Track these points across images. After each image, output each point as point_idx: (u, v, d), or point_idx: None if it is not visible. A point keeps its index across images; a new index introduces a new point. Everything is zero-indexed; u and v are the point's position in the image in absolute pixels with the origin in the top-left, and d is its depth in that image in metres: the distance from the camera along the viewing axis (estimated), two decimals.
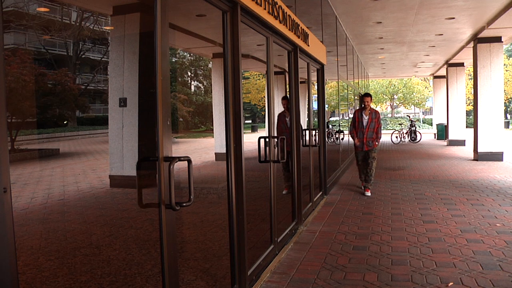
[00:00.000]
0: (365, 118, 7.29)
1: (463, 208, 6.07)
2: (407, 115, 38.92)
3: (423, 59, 17.17)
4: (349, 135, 7.86)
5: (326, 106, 8.91)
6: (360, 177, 7.75)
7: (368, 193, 7.28)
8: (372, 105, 45.67)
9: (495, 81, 11.69)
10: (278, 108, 5.74)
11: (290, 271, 3.85)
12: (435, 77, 22.92)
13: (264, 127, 4.39)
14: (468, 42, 12.78)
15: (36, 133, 2.67)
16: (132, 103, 2.80)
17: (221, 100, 3.27)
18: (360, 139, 7.33)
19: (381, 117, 8.37)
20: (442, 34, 11.76)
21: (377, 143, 7.29)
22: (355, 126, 7.38)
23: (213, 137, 5.12)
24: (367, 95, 7.38)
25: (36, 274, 2.71)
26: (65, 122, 2.91)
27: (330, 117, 15.59)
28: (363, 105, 7.32)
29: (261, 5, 3.64)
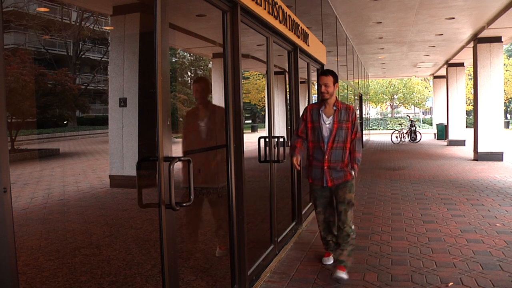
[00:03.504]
0: (326, 120, 3.69)
1: (463, 208, 6.07)
2: (407, 115, 38.93)
3: (423, 59, 17.17)
4: (290, 151, 3.86)
5: None
6: (322, 238, 4.05)
7: (342, 274, 3.53)
8: (373, 105, 44.36)
9: (495, 81, 11.69)
10: (278, 108, 5.72)
11: (290, 271, 3.85)
12: (435, 77, 22.92)
13: (264, 127, 4.39)
14: (468, 42, 12.78)
15: (36, 133, 2.67)
16: (132, 103, 2.80)
17: (221, 100, 3.27)
18: (316, 163, 3.72)
19: (358, 116, 4.15)
20: (442, 34, 11.76)
21: (353, 173, 3.70)
22: (307, 134, 3.78)
23: None
24: (327, 73, 3.73)
25: (36, 274, 2.71)
26: (65, 122, 2.91)
27: None
28: (322, 96, 3.70)
29: (261, 5, 3.64)
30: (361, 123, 18.15)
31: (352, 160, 3.70)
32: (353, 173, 3.70)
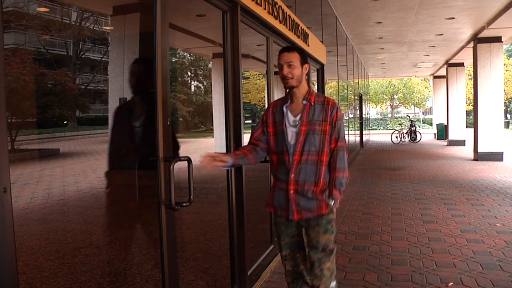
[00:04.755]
0: (292, 121, 2.53)
1: (463, 208, 6.07)
2: (407, 115, 38.93)
3: (423, 59, 17.17)
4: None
5: None
6: None
7: None
8: (373, 105, 43.92)
9: (495, 81, 11.69)
10: None
11: None
12: (435, 77, 22.92)
13: None
14: (468, 42, 12.78)
15: (36, 133, 2.67)
16: None
17: (221, 100, 3.27)
18: (280, 185, 2.55)
19: (342, 114, 2.62)
20: (442, 34, 11.76)
21: (331, 204, 2.49)
22: (268, 142, 2.61)
23: (213, 137, 5.12)
24: (291, 48, 2.57)
25: (36, 274, 2.71)
26: (65, 122, 2.91)
27: None
28: (284, 82, 2.52)
29: (261, 5, 3.64)
30: (361, 124, 18.13)
31: (332, 183, 2.47)
32: (331, 203, 2.46)
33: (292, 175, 2.47)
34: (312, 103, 2.52)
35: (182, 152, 2.64)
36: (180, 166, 2.24)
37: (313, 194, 2.48)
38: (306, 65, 2.57)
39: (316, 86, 7.69)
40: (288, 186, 2.48)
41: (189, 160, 2.22)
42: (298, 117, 2.51)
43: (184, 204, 2.17)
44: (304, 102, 2.52)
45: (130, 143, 2.68)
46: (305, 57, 2.58)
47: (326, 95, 8.23)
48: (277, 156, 2.55)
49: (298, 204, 2.48)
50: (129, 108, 2.71)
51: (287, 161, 2.48)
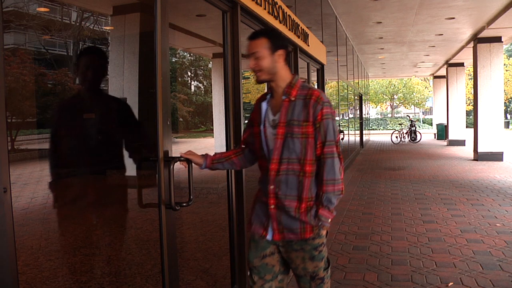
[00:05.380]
0: (271, 120, 2.06)
1: (463, 208, 6.07)
2: (407, 115, 38.96)
3: (423, 59, 17.18)
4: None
5: None
6: None
7: None
8: (373, 105, 43.66)
9: (495, 81, 11.70)
10: None
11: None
12: (435, 77, 22.93)
13: None
14: (468, 42, 12.79)
15: (36, 133, 2.67)
16: (132, 103, 2.80)
17: (221, 100, 3.27)
18: (261, 197, 2.14)
19: (333, 112, 2.03)
20: (442, 34, 11.77)
21: (319, 223, 2.01)
22: (254, 145, 2.18)
23: (213, 137, 5.12)
24: (256, 35, 2.03)
25: (36, 274, 2.71)
26: None
27: None
28: (255, 78, 2.08)
29: (261, 5, 3.64)
30: (361, 124, 18.12)
31: (319, 200, 1.99)
32: (319, 224, 2.01)
33: (272, 187, 2.03)
34: (293, 98, 2.01)
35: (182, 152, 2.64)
36: (179, 166, 2.24)
37: (296, 212, 2.00)
38: (280, 51, 2.01)
39: (316, 86, 7.70)
40: (268, 199, 2.05)
41: (189, 160, 2.22)
42: (277, 115, 2.03)
43: (184, 204, 2.17)
44: (283, 97, 2.03)
45: (81, 147, 2.25)
46: (278, 41, 2.04)
47: (326, 95, 8.18)
48: (261, 161, 2.14)
49: (280, 222, 2.03)
50: (75, 104, 2.28)
51: (268, 169, 2.05)
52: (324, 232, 2.08)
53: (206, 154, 2.24)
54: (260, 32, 2.05)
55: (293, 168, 2.00)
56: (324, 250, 2.11)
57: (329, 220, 2.02)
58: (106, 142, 2.09)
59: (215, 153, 2.29)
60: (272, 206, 2.04)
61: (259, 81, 2.07)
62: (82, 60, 2.32)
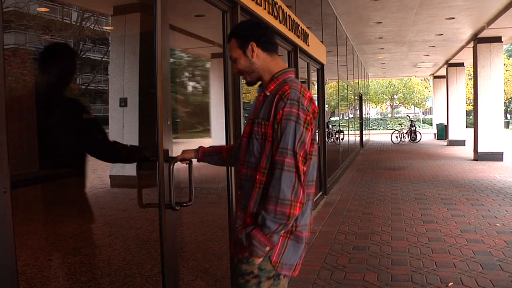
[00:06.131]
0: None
1: (463, 208, 6.07)
2: (407, 115, 38.96)
3: (423, 59, 17.18)
4: None
5: (326, 106, 8.91)
6: None
7: None
8: (373, 105, 43.46)
9: (495, 81, 11.70)
10: None
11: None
12: (435, 77, 22.93)
13: None
14: (468, 42, 12.79)
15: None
16: (133, 103, 2.80)
17: (220, 100, 3.27)
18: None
19: (297, 112, 1.60)
20: (442, 34, 11.77)
21: (251, 246, 1.61)
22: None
23: (210, 137, 5.11)
24: (228, 39, 1.84)
25: (36, 274, 2.71)
26: None
27: (330, 117, 15.64)
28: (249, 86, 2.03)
29: (261, 5, 3.64)
30: (361, 124, 18.13)
31: (270, 206, 1.58)
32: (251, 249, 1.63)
33: (238, 192, 1.80)
34: (268, 93, 1.75)
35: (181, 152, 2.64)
36: (179, 166, 2.24)
37: (239, 225, 1.74)
38: (250, 45, 1.77)
39: (316, 86, 7.70)
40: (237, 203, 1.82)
41: (189, 160, 2.22)
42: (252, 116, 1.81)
43: (184, 204, 2.17)
44: (258, 90, 1.83)
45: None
46: (244, 36, 1.78)
47: (326, 95, 8.24)
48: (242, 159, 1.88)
49: (236, 233, 1.76)
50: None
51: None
52: (257, 260, 1.65)
53: (200, 147, 2.15)
54: (230, 34, 1.84)
55: (251, 174, 1.72)
56: (254, 284, 1.67)
57: (265, 248, 1.60)
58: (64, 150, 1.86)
59: (210, 146, 2.20)
60: (237, 211, 1.79)
61: (248, 84, 1.89)
62: (39, 61, 2.10)
